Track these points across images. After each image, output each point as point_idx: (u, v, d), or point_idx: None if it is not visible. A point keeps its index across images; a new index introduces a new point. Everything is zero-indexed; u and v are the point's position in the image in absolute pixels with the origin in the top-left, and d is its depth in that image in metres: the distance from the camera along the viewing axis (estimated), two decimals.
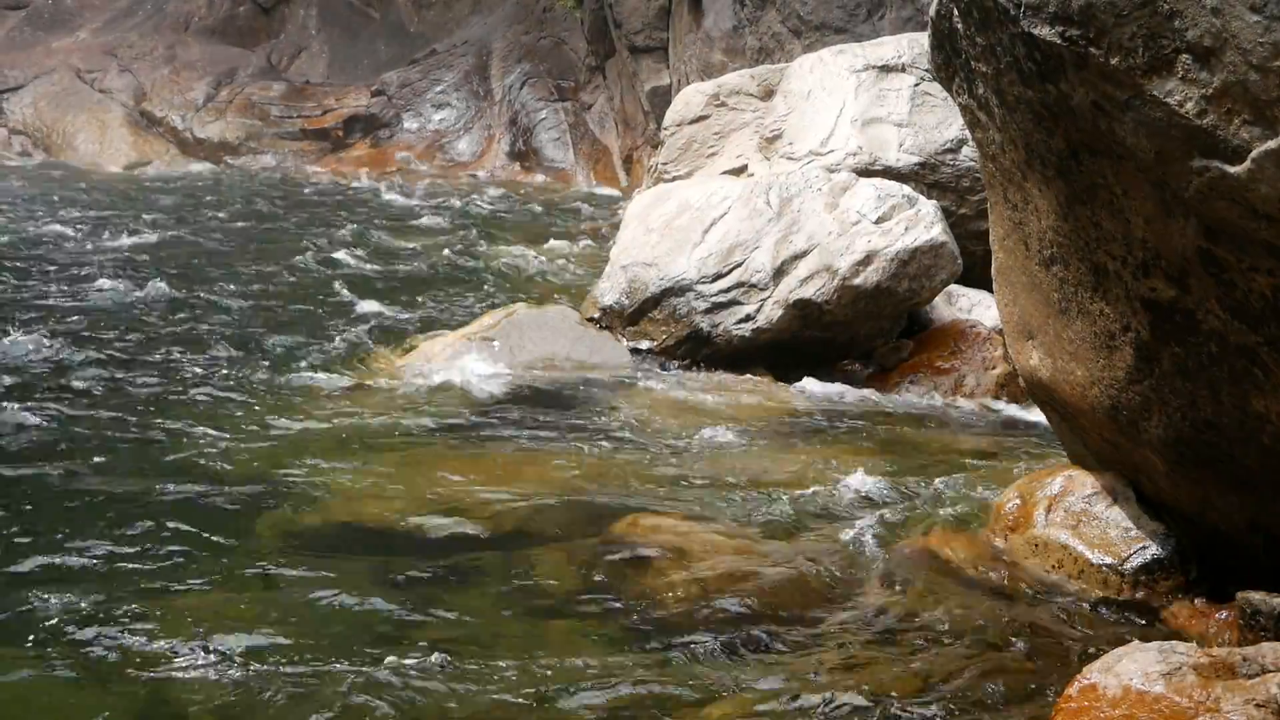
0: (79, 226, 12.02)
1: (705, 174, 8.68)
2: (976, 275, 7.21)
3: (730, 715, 3.35)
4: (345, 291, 9.29)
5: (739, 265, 7.37)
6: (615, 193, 17.03)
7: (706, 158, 8.89)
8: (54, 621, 3.78)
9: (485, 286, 9.86)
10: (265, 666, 3.52)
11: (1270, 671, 2.97)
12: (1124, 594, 4.11)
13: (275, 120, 19.79)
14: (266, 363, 7.10)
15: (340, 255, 10.93)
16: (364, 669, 3.53)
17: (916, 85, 8.44)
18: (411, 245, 11.77)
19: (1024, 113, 3.62)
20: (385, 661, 3.56)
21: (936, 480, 5.39)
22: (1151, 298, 3.61)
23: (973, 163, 7.86)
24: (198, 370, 6.89)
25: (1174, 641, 3.20)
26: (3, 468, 5.16)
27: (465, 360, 7.13)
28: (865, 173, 7.93)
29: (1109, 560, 4.20)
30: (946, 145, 8.22)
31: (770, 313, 7.24)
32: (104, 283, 9.16)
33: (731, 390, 7.02)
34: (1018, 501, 4.55)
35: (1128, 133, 3.22)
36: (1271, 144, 2.95)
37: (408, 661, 3.58)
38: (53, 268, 9.79)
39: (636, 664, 3.64)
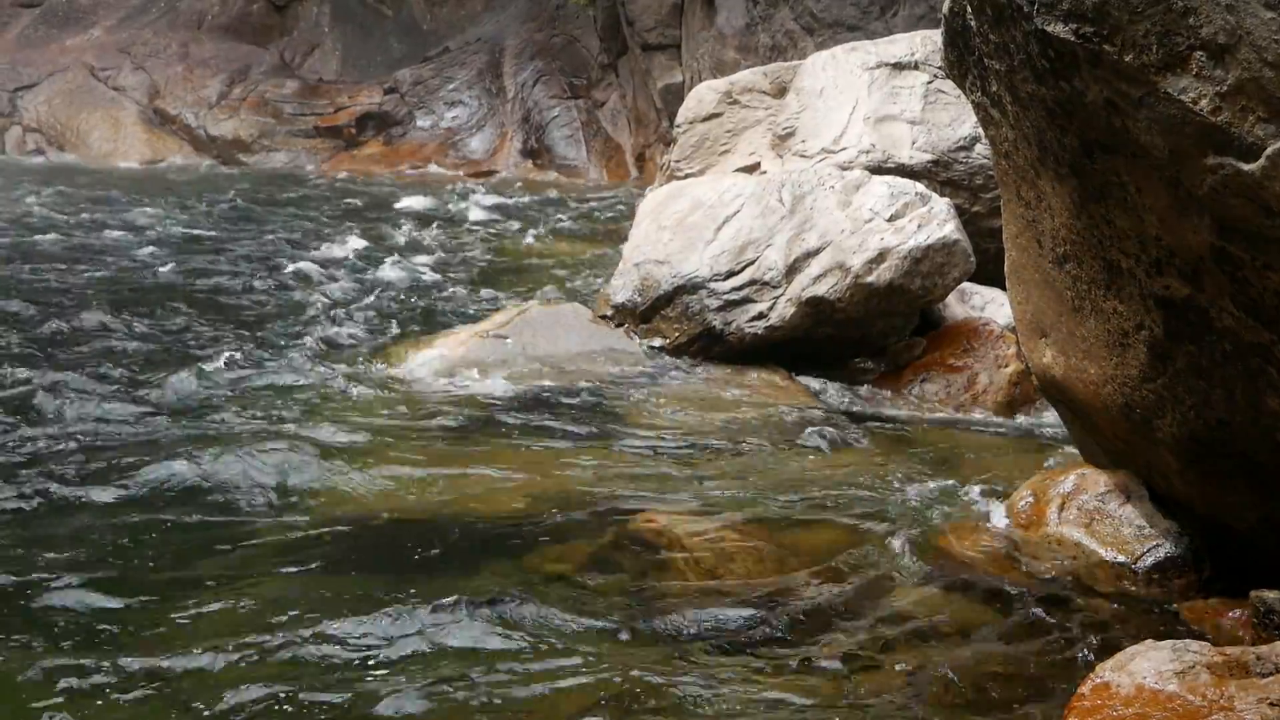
0: (92, 224, 12.07)
1: (718, 171, 8.67)
2: (989, 273, 7.20)
3: (737, 714, 3.36)
4: (357, 288, 9.31)
5: (751, 263, 7.37)
6: (628, 190, 17.02)
7: (719, 155, 8.88)
8: (62, 620, 3.79)
9: (498, 284, 9.87)
10: (270, 664, 3.53)
11: None
12: (1137, 592, 4.11)
13: (288, 118, 19.83)
14: (278, 357, 7.12)
15: (351, 252, 10.95)
16: (366, 666, 3.54)
17: (929, 83, 8.42)
18: (423, 242, 11.79)
19: (1037, 110, 3.61)
20: (388, 659, 3.57)
21: (949, 478, 5.39)
22: (1165, 296, 3.60)
23: (986, 160, 7.85)
24: (204, 366, 6.90)
25: (1187, 640, 3.19)
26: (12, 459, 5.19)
27: (478, 357, 7.14)
28: (878, 170, 7.91)
29: (1122, 558, 4.20)
30: (959, 143, 8.21)
31: (783, 310, 7.24)
32: (119, 279, 9.19)
33: (744, 388, 7.01)
34: (1031, 499, 4.54)
35: (1141, 130, 3.21)
36: None
37: (411, 659, 3.59)
38: (63, 266, 9.82)
39: (644, 661, 3.64)
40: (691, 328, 7.43)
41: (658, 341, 7.49)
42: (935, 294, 7.31)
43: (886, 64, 8.57)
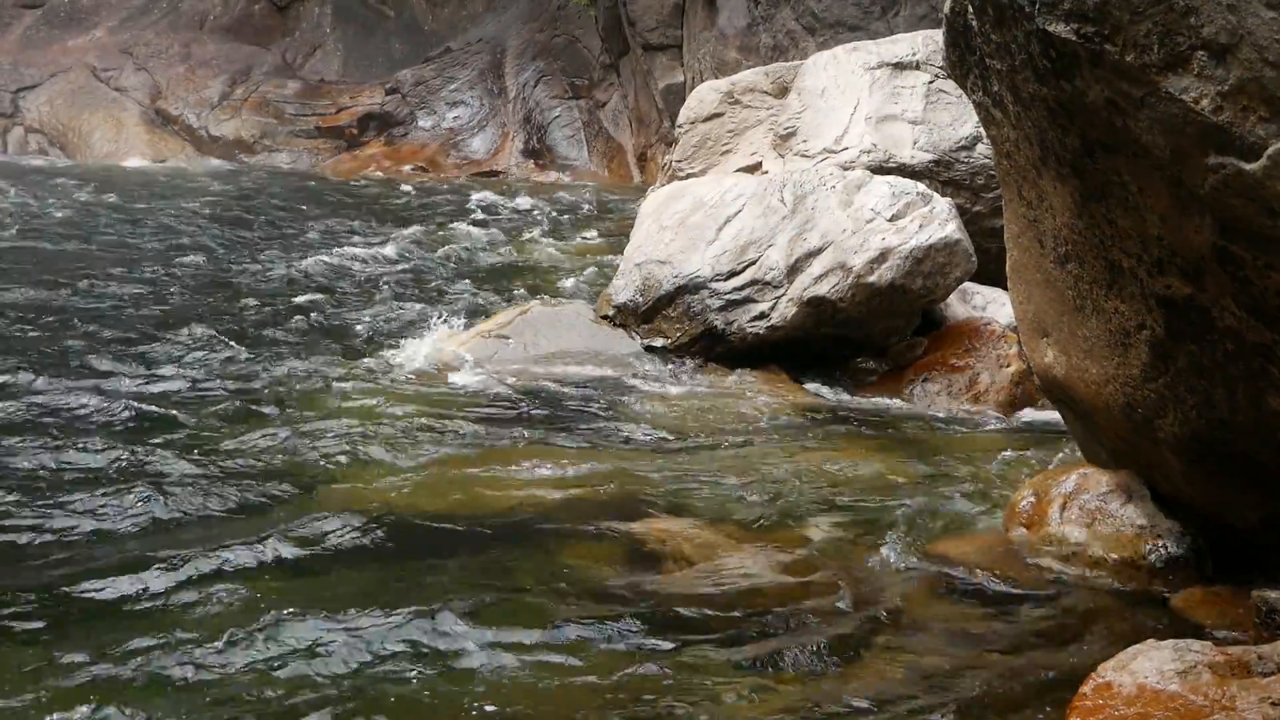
0: (94, 224, 12.08)
1: (719, 171, 8.68)
2: (991, 273, 7.20)
3: (735, 713, 3.35)
4: (359, 288, 9.31)
5: (753, 263, 7.37)
6: (629, 190, 17.03)
7: (720, 155, 8.89)
8: (78, 612, 3.80)
9: (499, 284, 9.88)
10: (282, 662, 3.53)
11: None
12: (1139, 591, 4.10)
13: (290, 118, 19.85)
14: (282, 359, 7.12)
15: (353, 252, 10.95)
16: (363, 662, 3.54)
17: (931, 82, 8.43)
18: (425, 243, 11.79)
19: (1038, 110, 3.61)
20: (391, 659, 3.57)
21: (951, 478, 5.39)
22: (1167, 295, 3.60)
23: (987, 160, 7.85)
24: (211, 366, 6.91)
25: (1189, 640, 3.20)
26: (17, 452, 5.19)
27: (479, 357, 7.15)
28: (879, 170, 7.92)
29: (1123, 558, 4.20)
30: (961, 142, 8.21)
31: (784, 310, 7.24)
32: (116, 280, 9.20)
33: (745, 389, 7.01)
34: (1032, 499, 4.54)
35: (1143, 130, 3.21)
36: None
37: (413, 659, 3.59)
38: (64, 265, 9.83)
39: (644, 664, 3.63)
40: (693, 328, 7.43)
41: (659, 341, 7.49)
42: (937, 294, 7.31)
43: (888, 64, 8.57)
